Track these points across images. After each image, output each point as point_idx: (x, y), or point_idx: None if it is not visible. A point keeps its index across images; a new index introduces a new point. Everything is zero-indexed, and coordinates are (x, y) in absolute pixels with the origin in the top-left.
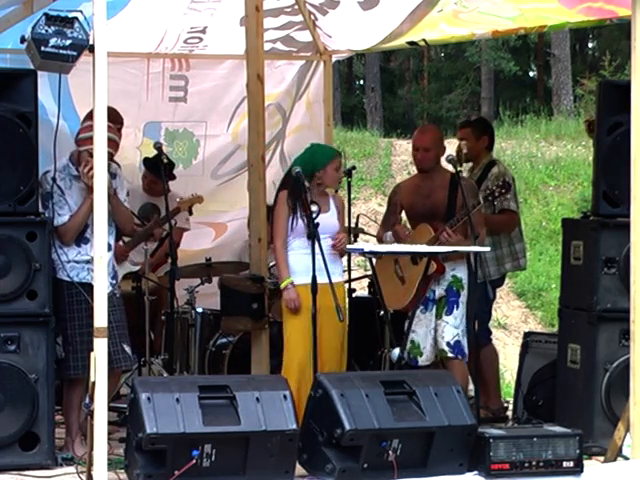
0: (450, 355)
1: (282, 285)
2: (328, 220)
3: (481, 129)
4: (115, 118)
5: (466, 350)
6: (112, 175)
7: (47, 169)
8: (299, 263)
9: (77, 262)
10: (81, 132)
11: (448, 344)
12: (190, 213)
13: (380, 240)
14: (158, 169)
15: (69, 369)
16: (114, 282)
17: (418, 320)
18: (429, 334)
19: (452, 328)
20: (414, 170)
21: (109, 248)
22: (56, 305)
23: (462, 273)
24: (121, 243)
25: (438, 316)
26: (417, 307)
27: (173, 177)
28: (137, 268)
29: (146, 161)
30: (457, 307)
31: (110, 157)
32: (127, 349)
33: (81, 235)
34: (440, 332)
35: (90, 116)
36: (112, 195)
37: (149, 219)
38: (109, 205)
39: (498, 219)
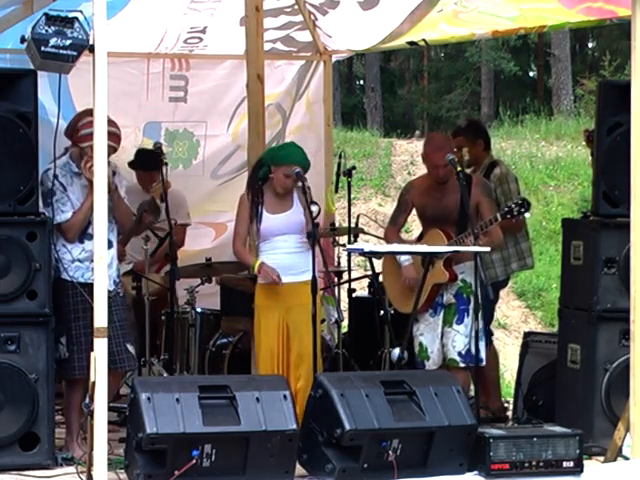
0: (462, 365)
1: (255, 268)
2: (287, 219)
3: (473, 132)
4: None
5: (482, 354)
6: (112, 172)
7: (48, 167)
8: (269, 263)
9: (81, 261)
10: (82, 128)
11: (460, 354)
12: (162, 201)
13: (388, 243)
14: (141, 164)
15: (74, 369)
16: (118, 281)
17: (427, 324)
18: (436, 338)
19: (463, 337)
20: (414, 170)
21: (110, 245)
22: (60, 306)
23: (471, 277)
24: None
25: (447, 323)
26: (425, 311)
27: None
28: (131, 266)
29: (130, 165)
30: (467, 315)
31: (113, 151)
32: (130, 349)
33: (84, 232)
34: (451, 341)
35: (89, 112)
36: (114, 191)
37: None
38: (110, 201)
39: (504, 221)
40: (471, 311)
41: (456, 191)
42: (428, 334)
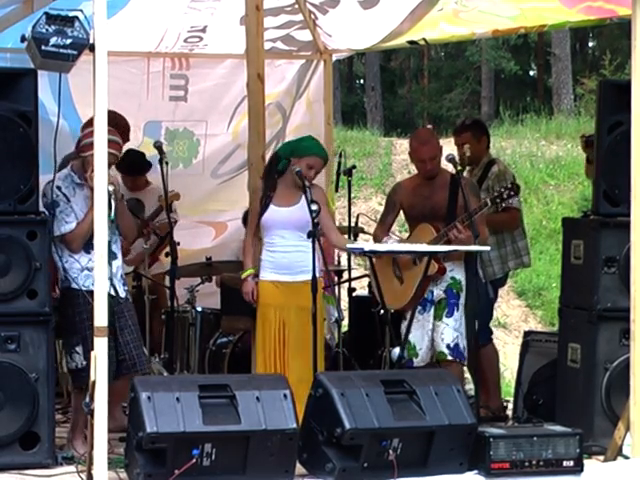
0: (450, 358)
1: (242, 275)
2: (292, 213)
3: (479, 130)
4: (119, 122)
5: (465, 353)
6: (118, 181)
7: (49, 180)
8: (266, 259)
9: (90, 270)
10: (83, 138)
11: (448, 346)
12: (171, 210)
13: (379, 241)
14: (125, 167)
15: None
16: (126, 288)
17: (416, 321)
18: (426, 335)
19: (452, 330)
20: (414, 169)
21: (115, 257)
22: (73, 315)
23: (460, 274)
24: None
25: (437, 318)
26: (415, 308)
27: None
28: (132, 268)
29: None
30: (457, 309)
31: (115, 159)
32: (145, 350)
33: (89, 242)
34: (440, 334)
35: (91, 122)
36: (119, 200)
37: (134, 213)
38: (116, 210)
39: (501, 217)
40: (461, 306)
41: (444, 188)
42: (416, 331)
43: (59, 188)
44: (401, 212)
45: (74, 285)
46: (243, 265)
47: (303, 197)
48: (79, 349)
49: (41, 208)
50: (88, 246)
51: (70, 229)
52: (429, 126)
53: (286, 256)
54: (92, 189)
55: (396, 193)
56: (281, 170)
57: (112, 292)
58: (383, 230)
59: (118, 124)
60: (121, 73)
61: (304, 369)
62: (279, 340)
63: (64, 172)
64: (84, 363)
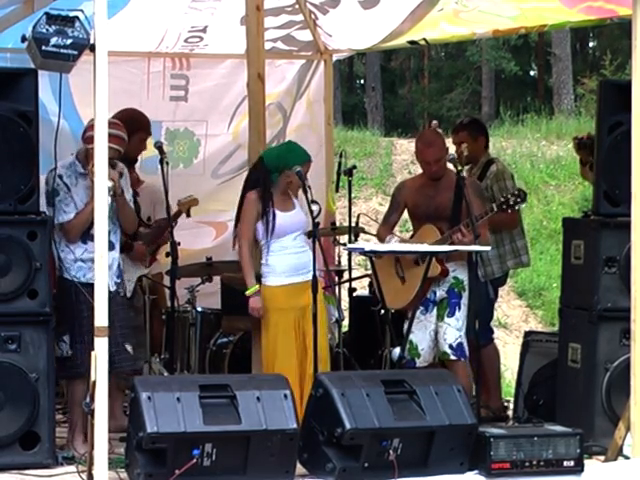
0: (453, 357)
1: (248, 292)
2: (294, 218)
3: (476, 130)
4: (139, 119)
5: (467, 352)
6: (120, 174)
7: (52, 167)
8: (281, 264)
9: (84, 261)
10: (89, 130)
11: (450, 346)
12: (188, 215)
13: (382, 240)
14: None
15: (78, 367)
16: (119, 281)
17: (418, 321)
18: (428, 336)
19: (454, 330)
20: (415, 169)
21: (112, 247)
22: (63, 305)
23: (463, 275)
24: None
25: (440, 318)
26: (417, 308)
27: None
28: (148, 270)
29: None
30: (459, 309)
31: (119, 153)
32: (129, 349)
33: (87, 232)
34: (442, 334)
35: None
36: (120, 195)
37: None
38: (114, 204)
39: (499, 217)
40: (463, 305)
41: (449, 189)
42: (418, 332)
43: (60, 177)
44: (404, 212)
45: (66, 275)
46: (245, 280)
47: (296, 202)
48: (66, 338)
49: (42, 199)
50: (85, 236)
51: (68, 219)
52: (435, 122)
53: (298, 257)
54: (93, 180)
55: (400, 192)
56: (274, 183)
57: None
58: (386, 229)
59: (140, 120)
60: (121, 73)
61: (321, 367)
62: (301, 340)
63: (69, 160)
64: (69, 352)
